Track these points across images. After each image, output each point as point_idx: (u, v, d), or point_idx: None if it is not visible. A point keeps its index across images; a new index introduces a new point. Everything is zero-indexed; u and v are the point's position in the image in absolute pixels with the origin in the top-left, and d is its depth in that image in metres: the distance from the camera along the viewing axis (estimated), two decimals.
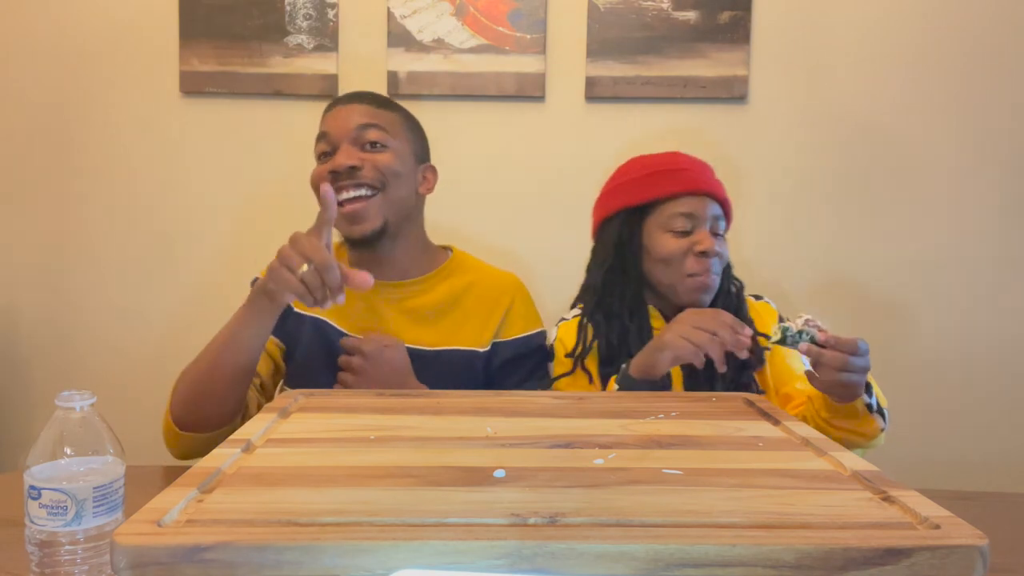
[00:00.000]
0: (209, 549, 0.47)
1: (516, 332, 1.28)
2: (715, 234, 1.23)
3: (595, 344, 1.24)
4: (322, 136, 1.22)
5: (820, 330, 1.00)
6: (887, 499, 0.56)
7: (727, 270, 1.28)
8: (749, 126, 1.79)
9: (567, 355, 1.26)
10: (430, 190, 1.29)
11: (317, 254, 0.95)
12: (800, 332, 1.00)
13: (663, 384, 1.09)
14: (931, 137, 1.78)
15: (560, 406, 0.87)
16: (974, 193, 1.78)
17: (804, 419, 1.09)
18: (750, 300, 1.33)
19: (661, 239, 1.22)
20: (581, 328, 1.26)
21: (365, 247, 1.22)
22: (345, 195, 1.17)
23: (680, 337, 1.05)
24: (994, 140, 1.77)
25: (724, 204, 1.25)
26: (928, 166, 1.79)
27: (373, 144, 1.20)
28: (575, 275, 1.88)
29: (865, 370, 0.98)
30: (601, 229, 1.33)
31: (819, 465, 0.65)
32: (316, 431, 0.75)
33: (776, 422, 0.81)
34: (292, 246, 0.97)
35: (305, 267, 0.94)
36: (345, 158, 1.17)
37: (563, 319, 1.32)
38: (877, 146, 1.79)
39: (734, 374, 1.18)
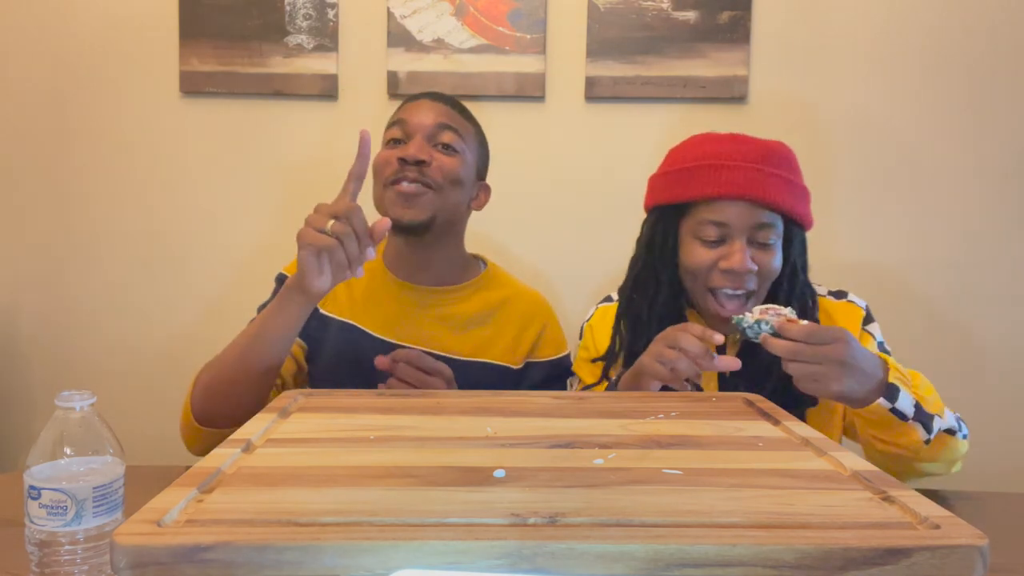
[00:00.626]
0: (209, 549, 0.47)
1: (549, 354, 1.29)
2: (758, 244, 1.07)
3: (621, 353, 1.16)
4: (398, 122, 1.23)
5: (789, 319, 0.92)
6: (887, 499, 0.56)
7: (793, 279, 1.12)
8: (749, 126, 1.78)
9: (595, 359, 1.20)
10: (481, 207, 1.31)
11: (340, 203, 0.95)
12: (758, 323, 0.93)
13: None
14: (931, 137, 1.78)
15: (560, 406, 0.87)
16: (975, 193, 1.78)
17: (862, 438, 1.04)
18: (828, 301, 1.16)
19: (690, 246, 1.09)
20: (615, 331, 1.19)
21: (409, 235, 1.21)
22: (406, 184, 1.18)
23: (654, 360, 0.98)
24: (995, 140, 1.77)
25: (780, 209, 1.06)
26: (928, 166, 1.79)
27: (446, 146, 1.21)
28: (575, 275, 1.88)
29: (833, 361, 0.88)
30: (645, 220, 1.20)
31: (819, 465, 0.65)
32: (316, 431, 0.75)
33: (776, 422, 0.81)
34: (316, 211, 0.96)
35: (332, 223, 0.93)
36: (417, 150, 1.18)
37: (606, 300, 1.25)
38: (877, 146, 1.79)
39: (791, 403, 1.00)
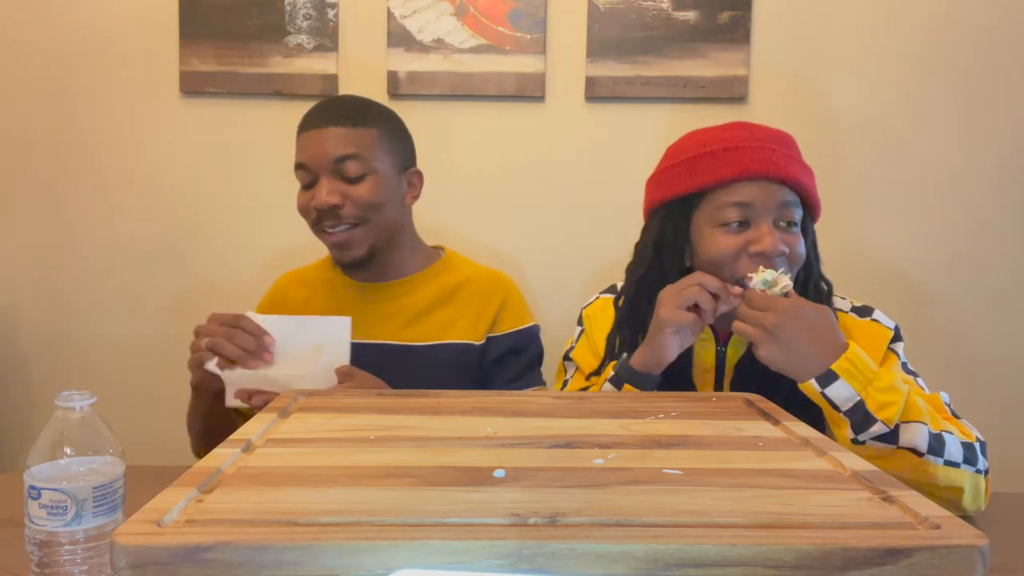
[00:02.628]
0: (209, 549, 0.47)
1: (509, 327, 1.29)
2: (785, 224, 1.02)
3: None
4: (300, 167, 1.20)
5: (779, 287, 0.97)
6: (887, 499, 0.56)
7: (809, 269, 1.08)
8: None
9: (597, 367, 1.16)
10: (416, 197, 1.29)
11: (213, 320, 1.05)
12: (764, 282, 0.97)
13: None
14: (931, 137, 1.78)
15: (560, 406, 0.87)
16: (974, 194, 1.78)
17: None
18: (849, 318, 1.09)
19: (710, 236, 1.03)
20: (610, 337, 1.16)
21: (357, 267, 1.24)
22: (331, 230, 1.19)
23: (673, 307, 0.98)
24: (993, 140, 1.77)
25: (799, 188, 1.03)
26: (928, 166, 1.79)
27: (352, 178, 1.18)
28: (574, 275, 1.88)
29: (763, 326, 0.93)
30: (646, 223, 1.15)
31: (819, 465, 0.65)
32: (316, 431, 0.75)
33: (776, 422, 0.81)
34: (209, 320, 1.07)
35: (206, 340, 1.04)
36: (326, 196, 1.17)
37: (608, 291, 1.23)
38: (877, 146, 1.79)
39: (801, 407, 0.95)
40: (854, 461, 0.65)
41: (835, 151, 1.80)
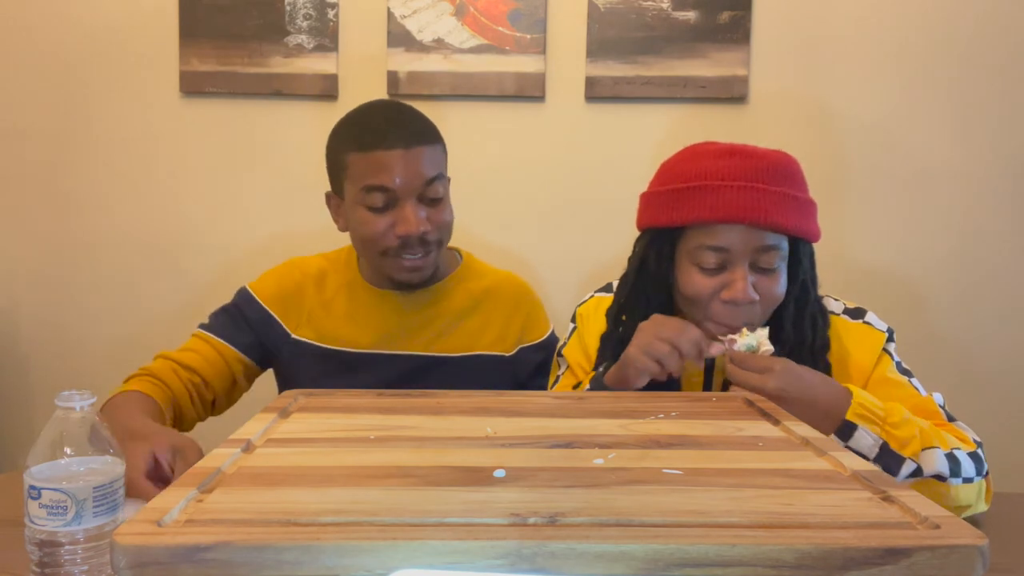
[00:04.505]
0: (209, 549, 0.47)
1: (538, 335, 1.30)
2: (761, 269, 1.00)
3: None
4: (378, 189, 1.11)
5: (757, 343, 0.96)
6: (887, 499, 0.56)
7: (802, 298, 1.05)
8: (749, 126, 1.79)
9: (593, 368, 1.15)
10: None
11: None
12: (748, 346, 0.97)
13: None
14: (931, 137, 1.78)
15: (560, 406, 0.87)
16: (974, 193, 1.78)
17: None
18: (842, 321, 1.08)
19: (687, 273, 1.03)
20: (603, 342, 1.14)
21: (414, 288, 1.22)
22: (409, 257, 1.14)
23: (641, 352, 0.95)
24: (994, 140, 1.77)
25: (783, 229, 0.99)
26: (928, 166, 1.79)
27: (434, 199, 1.14)
28: (575, 275, 1.88)
29: (764, 391, 0.90)
30: (636, 240, 1.14)
31: (819, 465, 0.65)
32: (316, 431, 0.75)
33: (776, 422, 0.81)
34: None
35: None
36: (417, 225, 1.11)
37: (604, 289, 1.22)
38: (877, 146, 1.79)
39: None
40: (854, 461, 0.65)
41: (834, 151, 1.80)
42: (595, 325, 1.19)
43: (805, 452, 0.69)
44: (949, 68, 1.77)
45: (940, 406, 1.02)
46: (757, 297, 1.00)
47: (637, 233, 1.18)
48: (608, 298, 1.20)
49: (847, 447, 0.89)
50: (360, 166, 1.12)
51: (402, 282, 1.19)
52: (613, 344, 1.11)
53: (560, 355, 1.23)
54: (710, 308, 1.02)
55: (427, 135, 1.15)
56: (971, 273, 1.79)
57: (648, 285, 1.09)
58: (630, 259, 1.14)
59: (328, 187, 1.23)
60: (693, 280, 1.02)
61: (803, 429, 0.77)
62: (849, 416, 0.91)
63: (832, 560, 0.47)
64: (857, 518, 0.52)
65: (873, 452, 0.90)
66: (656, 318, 1.01)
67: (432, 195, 1.13)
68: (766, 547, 0.47)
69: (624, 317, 1.13)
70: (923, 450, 0.91)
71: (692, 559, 0.47)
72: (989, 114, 1.77)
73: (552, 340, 1.32)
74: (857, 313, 1.10)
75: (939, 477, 0.90)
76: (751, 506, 0.54)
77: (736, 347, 0.98)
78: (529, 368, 1.28)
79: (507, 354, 1.26)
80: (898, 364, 1.08)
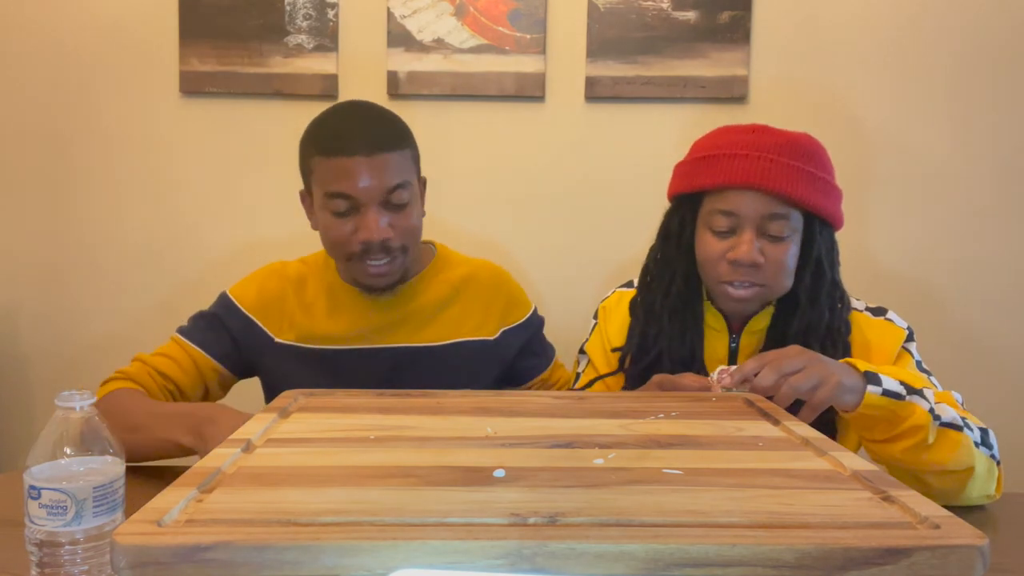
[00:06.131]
0: (209, 549, 0.47)
1: (519, 316, 1.31)
2: (770, 236, 1.04)
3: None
4: (339, 196, 1.10)
5: (741, 382, 0.94)
6: (887, 499, 0.56)
7: (818, 277, 1.08)
8: None
9: (613, 348, 1.17)
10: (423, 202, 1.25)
11: None
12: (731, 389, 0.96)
13: None
14: (931, 137, 1.78)
15: (560, 406, 0.87)
16: (974, 193, 1.78)
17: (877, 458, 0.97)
18: (864, 316, 1.12)
19: (702, 237, 1.09)
20: (632, 321, 1.17)
21: (383, 292, 1.21)
22: (373, 263, 1.13)
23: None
24: (994, 140, 1.77)
25: (792, 199, 1.03)
26: (928, 166, 1.79)
27: (399, 205, 1.12)
28: (575, 275, 1.88)
29: (810, 363, 0.89)
30: (666, 211, 1.18)
31: (819, 465, 0.65)
32: (316, 431, 0.75)
33: (776, 422, 0.81)
34: None
35: None
36: (378, 231, 1.10)
37: (626, 285, 1.24)
38: (877, 146, 1.79)
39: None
40: (854, 461, 0.65)
41: (834, 151, 1.78)
42: (618, 317, 1.21)
43: (805, 452, 0.69)
44: (950, 66, 1.76)
45: (959, 403, 1.03)
46: (762, 260, 1.04)
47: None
48: (630, 292, 1.22)
49: (886, 391, 0.89)
50: (323, 171, 1.11)
51: (370, 289, 1.19)
52: (641, 317, 1.15)
53: (582, 351, 1.25)
54: (718, 268, 1.06)
55: (391, 141, 1.12)
56: (972, 272, 1.79)
57: (672, 251, 1.13)
58: (659, 229, 1.18)
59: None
60: (706, 243, 1.07)
61: (803, 429, 0.77)
62: (861, 369, 0.91)
63: (832, 560, 0.47)
64: (857, 518, 0.52)
65: (902, 389, 0.90)
66: (657, 380, 1.02)
67: (396, 201, 1.11)
68: (766, 547, 0.47)
69: (649, 279, 1.16)
70: (937, 403, 0.92)
71: (692, 559, 0.47)
72: (990, 111, 1.76)
73: (535, 319, 1.32)
74: (878, 311, 1.13)
75: (953, 426, 0.91)
76: (751, 506, 0.54)
77: (723, 385, 0.98)
78: (513, 350, 1.29)
79: (490, 338, 1.26)
80: (918, 363, 1.09)
